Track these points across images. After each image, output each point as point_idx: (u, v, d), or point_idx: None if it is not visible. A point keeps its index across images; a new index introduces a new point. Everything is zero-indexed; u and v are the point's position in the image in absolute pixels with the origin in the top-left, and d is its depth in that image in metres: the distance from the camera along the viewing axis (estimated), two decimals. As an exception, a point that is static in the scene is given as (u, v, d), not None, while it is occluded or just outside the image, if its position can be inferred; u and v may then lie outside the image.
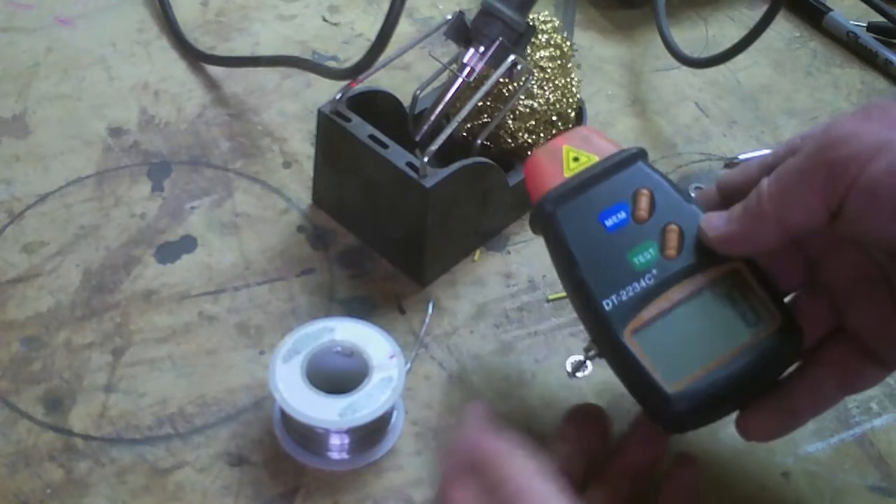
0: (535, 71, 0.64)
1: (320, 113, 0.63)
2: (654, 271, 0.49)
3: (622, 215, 0.51)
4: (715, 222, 0.49)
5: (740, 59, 0.73)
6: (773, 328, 0.49)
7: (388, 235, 0.64)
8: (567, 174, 0.52)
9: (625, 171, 0.52)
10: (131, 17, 0.80)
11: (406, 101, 0.66)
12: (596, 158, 0.52)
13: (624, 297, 0.49)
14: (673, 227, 0.50)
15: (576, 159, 0.52)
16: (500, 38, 0.62)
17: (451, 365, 0.60)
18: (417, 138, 0.63)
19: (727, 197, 0.51)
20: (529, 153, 0.66)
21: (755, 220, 0.47)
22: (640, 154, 0.52)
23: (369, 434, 0.55)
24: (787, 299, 0.51)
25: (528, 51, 0.65)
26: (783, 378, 0.51)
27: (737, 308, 0.49)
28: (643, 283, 0.49)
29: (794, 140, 0.50)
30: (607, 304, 0.49)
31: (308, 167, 0.69)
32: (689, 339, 0.49)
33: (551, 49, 0.66)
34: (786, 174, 0.47)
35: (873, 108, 0.46)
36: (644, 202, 0.51)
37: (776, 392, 0.50)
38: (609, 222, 0.50)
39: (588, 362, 0.51)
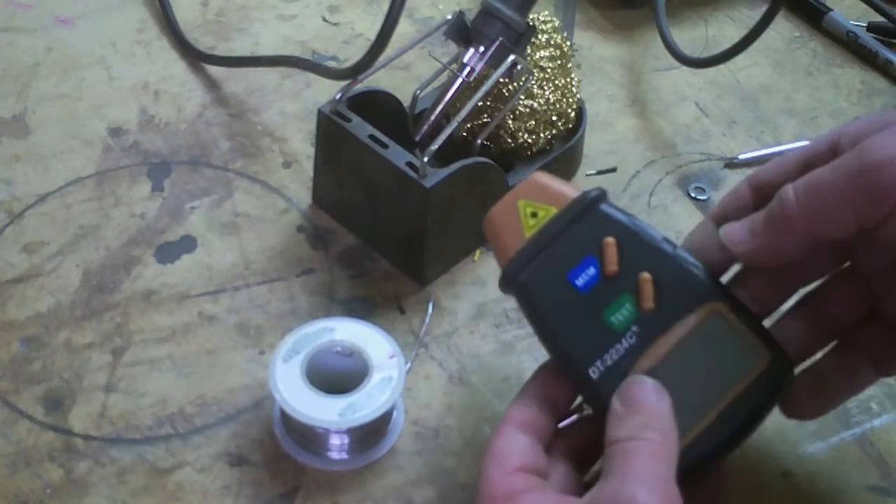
0: (535, 71, 0.64)
1: (320, 113, 0.63)
2: (635, 328, 0.48)
3: (592, 271, 0.49)
4: (738, 235, 0.48)
5: (740, 59, 0.73)
6: (762, 364, 0.48)
7: (388, 235, 0.64)
8: (528, 233, 0.49)
9: (587, 219, 0.49)
10: (131, 17, 0.80)
11: (406, 101, 0.66)
12: (554, 210, 0.49)
13: (609, 362, 0.48)
14: (646, 276, 0.48)
15: (534, 214, 0.49)
16: (500, 38, 0.62)
17: (451, 365, 0.60)
18: (417, 138, 0.63)
19: (762, 196, 0.50)
20: (529, 153, 0.66)
21: (782, 232, 0.47)
22: (600, 197, 0.50)
23: (369, 434, 0.55)
24: (820, 282, 0.51)
25: (528, 51, 0.65)
26: (820, 360, 0.51)
27: (724, 351, 0.48)
28: (626, 343, 0.48)
29: (833, 137, 0.48)
30: (594, 373, 0.48)
31: (308, 167, 0.69)
32: (681, 393, 0.47)
33: (551, 49, 0.66)
34: (819, 188, 0.46)
35: None
36: (612, 253, 0.49)
37: (814, 376, 0.50)
38: (580, 281, 0.48)
39: None
